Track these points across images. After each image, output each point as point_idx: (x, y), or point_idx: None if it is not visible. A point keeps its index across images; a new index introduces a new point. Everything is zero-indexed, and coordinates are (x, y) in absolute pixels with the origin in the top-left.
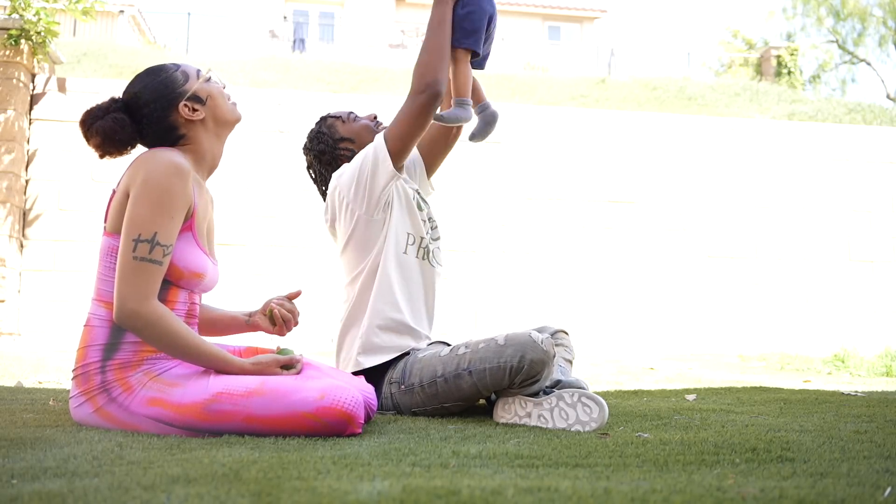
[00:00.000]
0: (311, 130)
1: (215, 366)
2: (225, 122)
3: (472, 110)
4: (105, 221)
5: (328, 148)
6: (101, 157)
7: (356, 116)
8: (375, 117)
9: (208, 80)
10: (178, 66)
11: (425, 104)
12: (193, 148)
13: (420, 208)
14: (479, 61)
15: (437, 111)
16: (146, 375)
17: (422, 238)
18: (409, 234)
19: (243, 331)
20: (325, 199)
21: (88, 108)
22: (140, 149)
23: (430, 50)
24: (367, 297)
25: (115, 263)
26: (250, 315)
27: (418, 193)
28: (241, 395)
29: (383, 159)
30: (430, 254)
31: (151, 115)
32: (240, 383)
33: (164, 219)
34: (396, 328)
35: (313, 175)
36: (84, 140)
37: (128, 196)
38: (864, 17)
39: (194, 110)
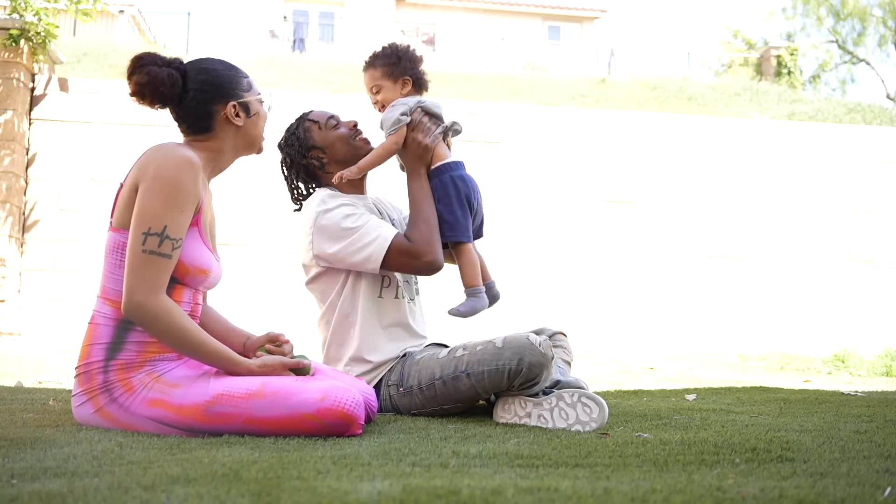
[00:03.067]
0: (289, 127)
1: (221, 365)
2: (250, 144)
3: (485, 296)
4: (111, 217)
5: (297, 155)
6: (132, 94)
7: (337, 122)
8: (356, 125)
9: (261, 101)
10: (247, 77)
11: (422, 270)
12: (214, 145)
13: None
14: (475, 230)
15: (455, 307)
16: (148, 376)
17: (395, 278)
18: (384, 276)
19: (236, 350)
20: (292, 196)
21: (151, 52)
22: (148, 140)
23: (430, 219)
24: (343, 342)
25: (120, 260)
26: (248, 339)
27: (405, 220)
28: (241, 397)
29: (372, 267)
30: (403, 289)
31: (199, 94)
32: (240, 385)
33: (174, 212)
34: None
35: (284, 173)
36: (127, 75)
37: (136, 190)
38: (864, 17)
39: (237, 115)
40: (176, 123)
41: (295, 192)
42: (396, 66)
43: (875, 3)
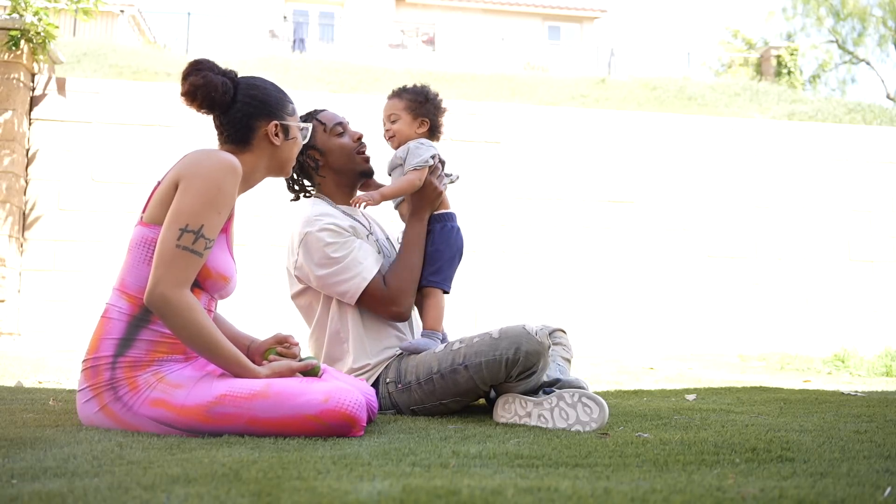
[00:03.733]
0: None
1: (231, 368)
2: (281, 166)
3: (439, 342)
4: (143, 212)
5: None
6: (184, 94)
7: (343, 130)
8: (360, 138)
9: (301, 129)
10: (293, 103)
11: (387, 317)
12: (249, 160)
13: (381, 252)
14: None
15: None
16: (153, 376)
17: None
18: None
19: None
20: (288, 185)
21: (210, 60)
22: (149, 140)
23: (413, 268)
24: (338, 358)
25: (146, 255)
26: (252, 342)
27: (388, 241)
28: (245, 398)
29: (348, 301)
30: None
31: (246, 107)
32: (244, 385)
33: (212, 213)
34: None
35: None
36: (182, 76)
37: (175, 187)
38: (864, 17)
39: (276, 136)
40: (217, 132)
41: (288, 182)
42: (422, 106)
43: (875, 3)
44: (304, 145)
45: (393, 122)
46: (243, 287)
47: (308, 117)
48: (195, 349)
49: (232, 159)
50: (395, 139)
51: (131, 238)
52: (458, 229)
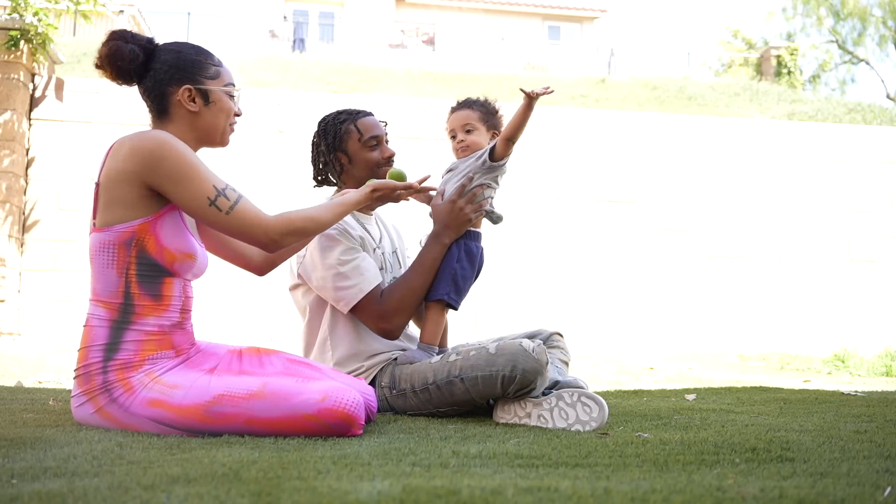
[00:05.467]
0: (340, 116)
1: (346, 211)
2: (208, 136)
3: (435, 356)
4: (93, 218)
5: (326, 147)
6: (97, 67)
7: (376, 144)
8: (392, 157)
9: (231, 96)
10: (220, 64)
11: (376, 331)
12: (172, 131)
13: (384, 267)
14: None
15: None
16: (147, 376)
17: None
18: None
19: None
20: (314, 172)
21: (126, 29)
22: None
23: (415, 291)
24: (323, 360)
25: (108, 260)
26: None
27: (395, 254)
28: (242, 398)
29: (342, 308)
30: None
31: (157, 74)
32: (241, 385)
33: (201, 172)
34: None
35: (312, 144)
36: (99, 45)
37: (127, 182)
38: (864, 17)
39: (192, 101)
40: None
41: (314, 170)
42: (493, 117)
43: (875, 3)
44: (335, 146)
45: (468, 132)
46: (242, 285)
47: (350, 118)
48: (322, 230)
49: (161, 133)
50: (469, 150)
51: (89, 247)
52: (483, 251)
